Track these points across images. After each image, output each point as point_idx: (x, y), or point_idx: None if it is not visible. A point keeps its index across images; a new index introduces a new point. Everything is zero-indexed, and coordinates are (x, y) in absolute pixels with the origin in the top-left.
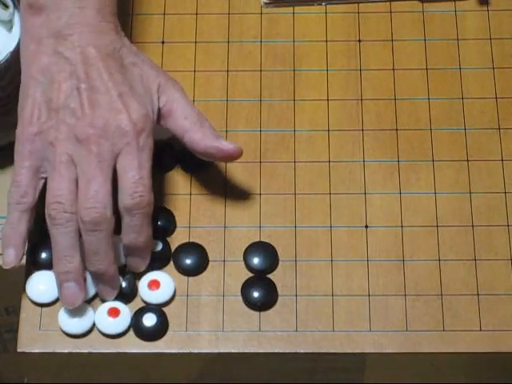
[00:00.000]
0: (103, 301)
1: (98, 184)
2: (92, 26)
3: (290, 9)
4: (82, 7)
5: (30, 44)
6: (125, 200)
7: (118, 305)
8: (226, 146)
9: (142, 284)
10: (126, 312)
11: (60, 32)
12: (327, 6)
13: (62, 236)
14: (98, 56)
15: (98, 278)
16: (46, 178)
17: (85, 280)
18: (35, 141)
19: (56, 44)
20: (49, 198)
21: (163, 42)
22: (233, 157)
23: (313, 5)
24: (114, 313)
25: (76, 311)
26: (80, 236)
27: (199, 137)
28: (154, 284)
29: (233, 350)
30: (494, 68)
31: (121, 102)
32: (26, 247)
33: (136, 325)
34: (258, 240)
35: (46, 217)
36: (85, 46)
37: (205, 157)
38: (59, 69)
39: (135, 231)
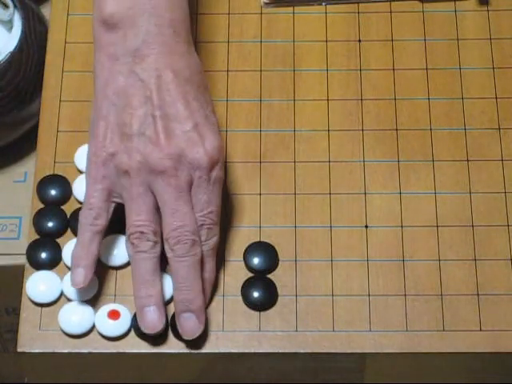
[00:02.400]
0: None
1: (182, 214)
2: (169, 46)
3: (290, 9)
4: (158, 24)
5: (105, 61)
6: None
7: (118, 307)
8: None
9: None
10: (126, 314)
11: (137, 51)
12: (327, 6)
13: (144, 262)
14: (175, 81)
15: (183, 308)
16: (117, 203)
17: (163, 304)
18: (108, 165)
19: (132, 64)
20: (130, 228)
21: None
22: None
23: (313, 5)
24: (114, 315)
25: (76, 311)
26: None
27: None
28: None
29: (233, 350)
30: (493, 68)
31: (196, 133)
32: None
33: (137, 325)
34: (258, 240)
35: (127, 244)
36: (162, 69)
37: None
38: (134, 93)
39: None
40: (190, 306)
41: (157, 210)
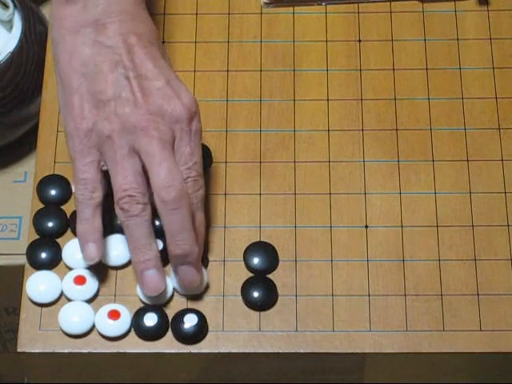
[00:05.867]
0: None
1: (169, 163)
2: (131, 14)
3: (290, 9)
4: None
5: (65, 35)
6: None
7: (118, 307)
8: None
9: None
10: (126, 314)
11: (99, 21)
12: (327, 6)
13: (137, 226)
14: (141, 43)
15: (181, 261)
16: (106, 171)
17: (161, 266)
18: (91, 136)
19: (95, 33)
20: (118, 193)
21: (163, 42)
22: None
23: (313, 5)
24: (114, 315)
25: (76, 311)
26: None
27: None
28: None
29: (233, 350)
30: (494, 68)
31: (170, 88)
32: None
33: (137, 324)
34: (258, 240)
35: (117, 210)
36: (126, 34)
37: None
38: (104, 59)
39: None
40: (187, 259)
41: (143, 173)
